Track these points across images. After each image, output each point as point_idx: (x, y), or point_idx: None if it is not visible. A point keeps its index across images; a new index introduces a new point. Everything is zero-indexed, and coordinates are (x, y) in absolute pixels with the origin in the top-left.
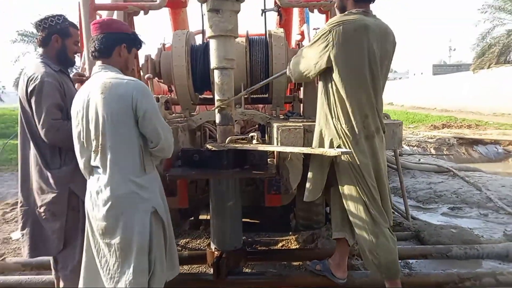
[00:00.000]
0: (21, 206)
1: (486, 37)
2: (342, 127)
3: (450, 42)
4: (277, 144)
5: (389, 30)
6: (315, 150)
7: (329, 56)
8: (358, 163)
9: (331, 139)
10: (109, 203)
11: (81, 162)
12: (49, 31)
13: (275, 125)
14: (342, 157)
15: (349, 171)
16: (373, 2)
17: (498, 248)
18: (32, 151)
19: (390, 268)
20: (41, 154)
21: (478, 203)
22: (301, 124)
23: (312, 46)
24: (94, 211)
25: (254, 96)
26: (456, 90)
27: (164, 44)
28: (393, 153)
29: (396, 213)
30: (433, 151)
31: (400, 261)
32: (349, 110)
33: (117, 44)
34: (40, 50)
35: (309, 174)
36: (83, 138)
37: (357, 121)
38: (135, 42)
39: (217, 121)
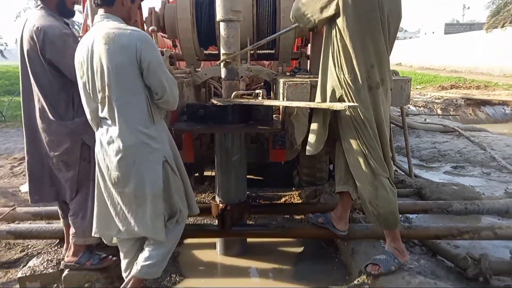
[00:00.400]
0: (30, 161)
1: None
2: (344, 77)
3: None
4: (283, 100)
5: None
6: (321, 104)
7: (337, 2)
8: (360, 114)
9: (333, 89)
10: (121, 153)
11: (88, 113)
12: None
13: (281, 80)
14: (346, 112)
15: (350, 123)
16: None
17: (499, 204)
18: (40, 105)
19: (389, 218)
20: (53, 107)
21: (481, 162)
22: (307, 79)
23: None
24: (106, 161)
25: (260, 51)
26: (468, 50)
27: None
28: (399, 112)
29: (399, 170)
30: (439, 112)
31: (400, 215)
32: (354, 59)
33: None
34: (39, 1)
35: (311, 126)
36: (89, 89)
37: (361, 70)
38: None
39: (223, 75)
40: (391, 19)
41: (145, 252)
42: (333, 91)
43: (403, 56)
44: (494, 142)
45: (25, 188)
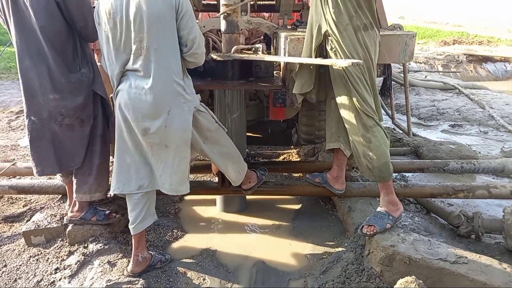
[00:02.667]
0: (31, 123)
1: None
2: (329, 11)
3: None
4: (285, 55)
5: None
6: (324, 61)
7: None
8: (347, 54)
9: (319, 25)
10: (156, 104)
11: (115, 67)
12: None
13: (282, 34)
14: (331, 53)
15: (341, 71)
16: None
17: (495, 163)
18: (45, 60)
19: (383, 170)
20: (61, 58)
21: (479, 120)
22: None
23: None
24: (135, 113)
25: (261, 2)
26: (473, 4)
27: None
28: (400, 68)
29: (397, 129)
30: (440, 68)
31: (397, 174)
32: None
33: None
34: None
35: (299, 66)
36: (120, 41)
37: (347, 7)
38: None
39: (222, 28)
40: None
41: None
42: (319, 27)
43: (406, 9)
44: (494, 101)
45: (24, 142)
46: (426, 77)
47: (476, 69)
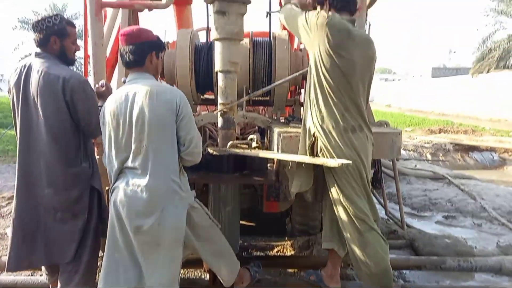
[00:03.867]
0: (22, 215)
1: (486, 41)
2: (316, 114)
3: (451, 45)
4: (278, 151)
5: (371, 39)
6: (315, 160)
7: (313, 39)
8: (334, 155)
9: (309, 128)
10: (151, 201)
11: (114, 163)
12: (47, 32)
13: (276, 130)
14: (320, 154)
15: (329, 172)
16: (354, 14)
17: (492, 261)
18: (47, 153)
19: (382, 277)
20: (63, 152)
21: (472, 212)
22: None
23: (307, 17)
24: (129, 211)
25: (256, 98)
26: (455, 94)
27: (168, 43)
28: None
29: (391, 220)
30: (429, 157)
31: (394, 270)
32: (328, 97)
33: (148, 52)
34: (39, 49)
35: (296, 164)
36: (121, 140)
37: (332, 111)
38: (161, 47)
39: (219, 125)
40: (365, 62)
41: None
42: (309, 130)
43: (392, 97)
44: (484, 191)
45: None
46: (415, 165)
47: (464, 158)
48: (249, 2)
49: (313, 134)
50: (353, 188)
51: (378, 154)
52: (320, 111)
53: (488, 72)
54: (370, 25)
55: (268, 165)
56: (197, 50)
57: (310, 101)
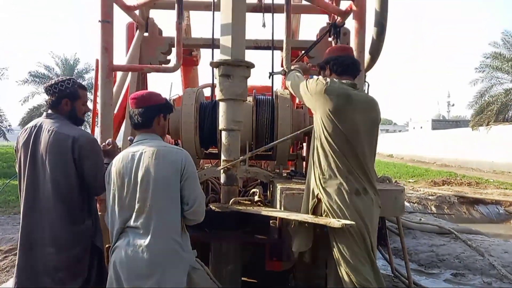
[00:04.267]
0: (22, 275)
1: (484, 95)
2: (319, 176)
3: (449, 97)
4: (280, 208)
5: (374, 101)
6: (318, 219)
7: (315, 104)
8: (336, 218)
9: (312, 189)
10: (151, 262)
11: (116, 222)
12: (59, 95)
13: (278, 186)
14: (324, 216)
15: (332, 233)
16: (356, 77)
17: None
18: (52, 211)
19: None
20: (69, 210)
21: (481, 270)
22: (303, 187)
23: (307, 84)
24: (129, 273)
25: (259, 152)
26: (456, 146)
27: (174, 100)
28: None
29: (397, 278)
30: (434, 209)
31: None
32: (331, 160)
33: (156, 115)
34: (50, 110)
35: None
36: (125, 199)
37: (335, 173)
38: (169, 109)
39: (222, 181)
40: (368, 125)
41: None
42: (312, 191)
43: (394, 148)
44: (492, 248)
45: (9, 284)
46: (420, 219)
47: (470, 211)
48: (253, 66)
49: (317, 196)
50: (355, 253)
51: (382, 212)
52: (323, 173)
53: (488, 125)
54: (368, 85)
55: (271, 221)
56: (202, 108)
57: (313, 162)
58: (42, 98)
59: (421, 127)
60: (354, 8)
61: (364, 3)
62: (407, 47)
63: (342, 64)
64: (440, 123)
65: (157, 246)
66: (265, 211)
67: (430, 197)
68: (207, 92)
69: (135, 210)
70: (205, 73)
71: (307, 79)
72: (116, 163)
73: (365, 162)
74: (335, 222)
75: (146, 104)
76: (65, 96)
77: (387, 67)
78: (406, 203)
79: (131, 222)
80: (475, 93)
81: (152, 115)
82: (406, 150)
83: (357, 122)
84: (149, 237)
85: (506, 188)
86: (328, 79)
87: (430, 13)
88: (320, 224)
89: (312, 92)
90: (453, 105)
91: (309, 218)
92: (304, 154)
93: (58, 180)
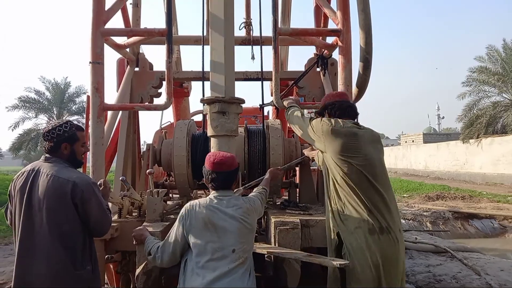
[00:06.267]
0: None
1: (473, 109)
2: (338, 212)
3: (438, 110)
4: (275, 243)
5: (377, 133)
6: (312, 259)
7: (324, 145)
8: (358, 265)
9: (332, 227)
10: None
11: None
12: (58, 140)
13: (272, 220)
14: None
15: (350, 275)
16: (355, 118)
17: None
18: (51, 258)
19: None
20: (69, 254)
21: None
22: (298, 220)
23: (312, 126)
24: None
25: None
26: (448, 159)
27: (165, 132)
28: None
29: None
30: (429, 225)
31: None
32: (349, 197)
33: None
34: (48, 154)
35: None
36: (213, 245)
37: (356, 209)
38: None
39: None
40: (377, 154)
41: None
42: (331, 228)
43: (387, 162)
44: (488, 266)
45: None
46: (416, 238)
47: (464, 226)
48: (244, 102)
49: (337, 234)
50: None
51: None
52: (343, 210)
53: (478, 137)
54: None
55: (266, 256)
56: (194, 140)
57: (331, 198)
58: (32, 123)
59: (413, 141)
60: (339, 43)
61: (349, 39)
62: (394, 64)
63: (339, 108)
64: (431, 137)
65: None
66: (260, 249)
67: (425, 213)
68: (197, 117)
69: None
70: (195, 103)
71: (310, 119)
72: (202, 212)
73: (387, 195)
74: (329, 262)
75: (231, 168)
76: (64, 141)
77: (375, 81)
78: (402, 220)
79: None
80: (464, 106)
81: (233, 178)
82: (399, 163)
83: (370, 155)
84: None
85: (499, 201)
86: (332, 120)
87: (414, 34)
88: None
89: (319, 133)
90: (443, 117)
91: (303, 257)
92: (297, 182)
93: (59, 224)
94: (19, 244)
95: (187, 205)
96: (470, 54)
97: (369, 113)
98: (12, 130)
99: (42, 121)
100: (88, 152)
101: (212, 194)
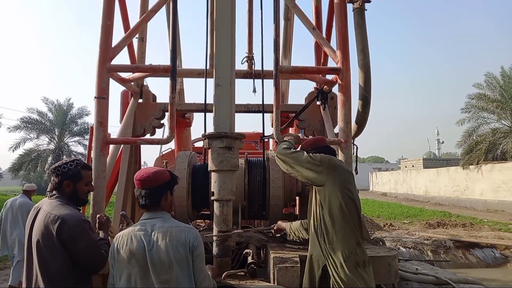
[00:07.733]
0: None
1: (472, 135)
2: (326, 246)
3: (438, 135)
4: (274, 281)
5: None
6: None
7: (326, 177)
8: None
9: (318, 260)
10: None
11: None
12: (62, 177)
13: (271, 256)
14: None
15: None
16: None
17: None
18: None
19: None
20: None
21: None
22: (297, 257)
23: (312, 156)
24: None
25: (252, 213)
26: (448, 184)
27: (167, 162)
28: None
29: None
30: (430, 254)
31: None
32: (340, 229)
33: (163, 193)
34: (51, 192)
35: None
36: (137, 279)
37: (345, 243)
38: (175, 183)
39: (215, 253)
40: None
41: None
42: (318, 263)
43: (387, 186)
44: None
45: None
46: (417, 269)
47: (466, 255)
48: (245, 137)
49: (323, 267)
50: None
51: (376, 278)
52: (331, 243)
53: (477, 164)
54: (357, 148)
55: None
56: (195, 170)
57: (319, 233)
58: (33, 143)
59: (413, 166)
60: (339, 81)
61: (348, 77)
62: (394, 87)
63: (324, 148)
64: (431, 162)
65: None
66: None
67: (425, 242)
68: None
69: None
70: (196, 132)
71: (307, 153)
72: (121, 244)
73: (365, 230)
74: None
75: (154, 185)
76: (67, 178)
77: (375, 104)
78: (402, 249)
79: None
80: (463, 132)
81: (159, 195)
82: (399, 188)
83: (355, 188)
84: None
85: (500, 229)
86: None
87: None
88: None
89: (324, 164)
90: (442, 142)
91: None
92: (297, 213)
93: (48, 267)
94: (26, 283)
95: (116, 235)
96: (468, 81)
97: (369, 136)
98: (13, 151)
99: (43, 142)
100: None
101: (142, 217)
